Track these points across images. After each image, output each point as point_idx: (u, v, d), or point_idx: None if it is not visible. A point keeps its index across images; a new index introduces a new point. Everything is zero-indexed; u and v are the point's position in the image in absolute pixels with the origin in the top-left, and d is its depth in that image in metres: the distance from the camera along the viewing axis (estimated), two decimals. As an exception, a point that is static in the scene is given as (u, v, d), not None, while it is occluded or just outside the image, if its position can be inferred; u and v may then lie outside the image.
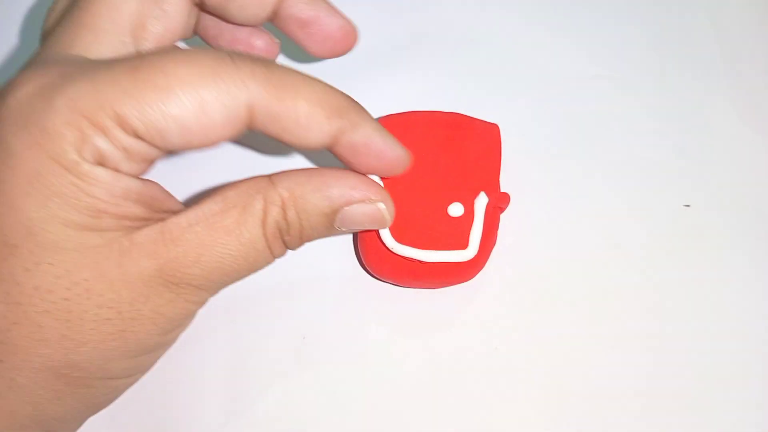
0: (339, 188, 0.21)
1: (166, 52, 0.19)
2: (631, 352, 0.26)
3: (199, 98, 0.18)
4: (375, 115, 0.29)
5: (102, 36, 0.20)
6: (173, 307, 0.20)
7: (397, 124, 0.26)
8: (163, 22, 0.22)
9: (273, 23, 0.25)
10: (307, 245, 0.27)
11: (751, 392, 0.25)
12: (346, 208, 0.21)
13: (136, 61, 0.19)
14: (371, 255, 0.25)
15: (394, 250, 0.24)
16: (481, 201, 0.25)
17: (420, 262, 0.25)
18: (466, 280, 0.26)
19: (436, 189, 0.25)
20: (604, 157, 0.29)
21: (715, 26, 0.31)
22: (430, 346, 0.26)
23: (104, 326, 0.19)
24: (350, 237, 0.28)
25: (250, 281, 0.26)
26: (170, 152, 0.20)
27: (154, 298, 0.20)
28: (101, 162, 0.19)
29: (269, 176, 0.21)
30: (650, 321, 0.26)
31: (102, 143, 0.18)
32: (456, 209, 0.25)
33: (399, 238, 0.24)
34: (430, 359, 0.26)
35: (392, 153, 0.22)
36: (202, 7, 0.24)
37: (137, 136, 0.19)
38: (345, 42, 0.25)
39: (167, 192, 0.22)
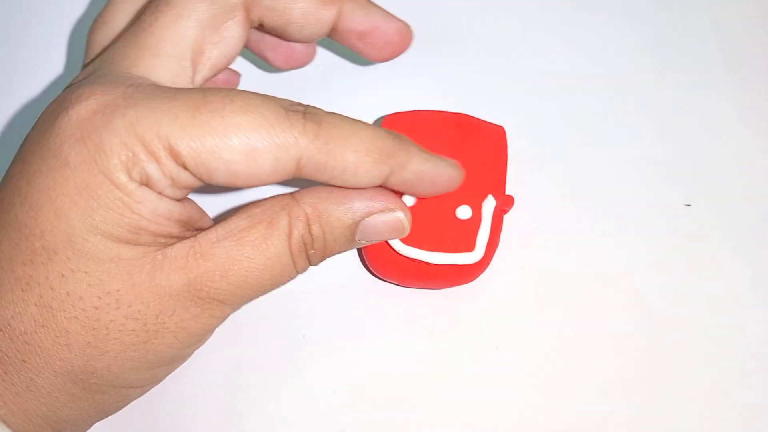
0: (360, 201, 0.22)
1: (227, 95, 0.20)
2: (633, 352, 0.26)
3: (251, 147, 0.19)
4: (380, 115, 0.29)
5: (165, 60, 0.21)
6: (197, 322, 0.21)
7: (403, 122, 0.26)
8: (221, 48, 0.23)
9: (330, 37, 0.25)
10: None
11: (751, 391, 0.25)
12: (367, 219, 0.22)
13: (199, 99, 0.19)
14: (375, 256, 0.25)
15: (400, 252, 0.24)
16: (489, 204, 0.25)
17: (426, 263, 0.25)
18: (469, 281, 0.26)
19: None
20: (604, 157, 0.29)
21: (715, 25, 0.31)
22: (430, 345, 0.26)
23: (128, 337, 0.20)
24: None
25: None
26: (217, 183, 0.21)
27: (180, 312, 0.20)
28: (148, 184, 0.19)
29: (292, 194, 0.22)
30: (652, 321, 0.26)
31: (152, 168, 0.19)
32: (464, 212, 0.25)
33: (405, 239, 0.24)
34: (431, 359, 0.26)
35: (445, 175, 0.22)
36: (259, 28, 0.24)
37: (186, 168, 0.19)
38: (403, 44, 0.26)
39: (202, 210, 0.22)
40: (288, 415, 0.25)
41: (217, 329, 0.26)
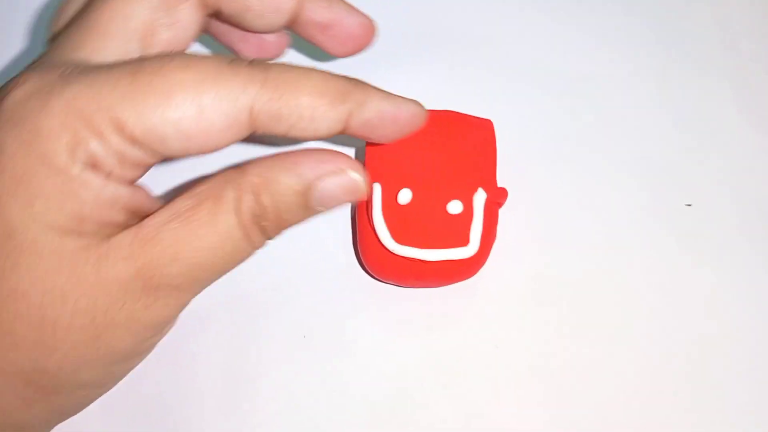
0: (308, 164, 0.20)
1: (166, 56, 0.19)
2: (632, 350, 0.26)
3: (198, 102, 0.18)
4: None
5: (109, 41, 0.20)
6: (150, 312, 0.20)
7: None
8: (173, 30, 0.22)
9: (290, 28, 0.25)
10: (307, 244, 0.27)
11: (752, 391, 0.25)
12: (319, 183, 0.20)
13: (136, 65, 0.19)
14: (372, 257, 0.25)
15: (394, 252, 0.24)
16: (480, 197, 0.25)
17: (421, 261, 0.24)
18: (468, 277, 0.26)
19: (434, 187, 0.25)
20: (605, 155, 0.29)
21: (718, 24, 0.31)
22: (429, 345, 0.26)
23: (77, 334, 0.19)
24: (350, 237, 0.28)
25: (250, 279, 0.27)
26: (167, 158, 0.20)
27: (131, 304, 0.19)
28: (93, 166, 0.18)
29: (239, 165, 0.20)
30: (651, 319, 0.26)
31: (96, 147, 0.18)
32: (455, 207, 0.25)
33: (398, 239, 0.24)
34: (430, 358, 0.26)
35: (407, 112, 0.22)
36: (216, 17, 0.23)
37: (134, 141, 0.18)
38: (365, 38, 0.25)
39: (154, 198, 0.21)
40: (288, 415, 0.25)
41: (216, 328, 0.26)
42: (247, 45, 0.26)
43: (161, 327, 0.21)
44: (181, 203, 0.20)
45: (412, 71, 0.31)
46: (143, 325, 0.20)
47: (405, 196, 0.25)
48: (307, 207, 0.21)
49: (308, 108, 0.19)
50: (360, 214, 0.26)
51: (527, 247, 0.27)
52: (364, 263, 0.26)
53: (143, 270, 0.19)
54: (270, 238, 0.21)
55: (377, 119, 0.21)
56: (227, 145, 0.19)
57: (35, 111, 0.18)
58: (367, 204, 0.25)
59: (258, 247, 0.21)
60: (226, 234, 0.20)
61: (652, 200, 0.28)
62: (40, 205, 0.18)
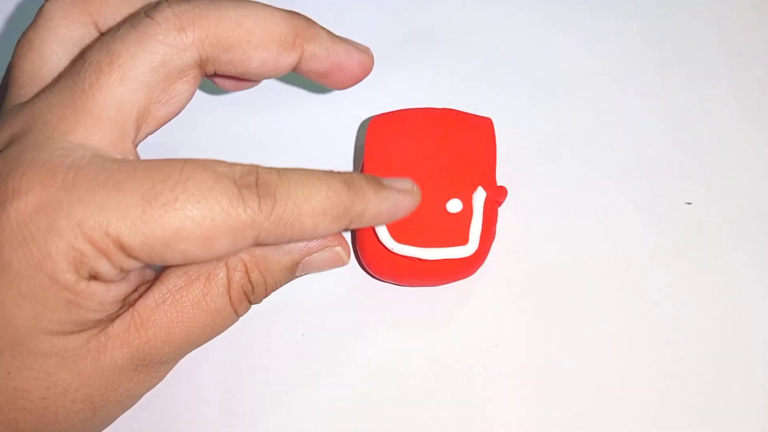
0: (303, 251, 0.22)
1: (177, 181, 0.19)
2: (633, 349, 0.26)
3: (207, 236, 0.19)
4: (372, 113, 0.29)
5: (106, 125, 0.20)
6: (141, 386, 0.21)
7: (390, 123, 0.26)
8: (169, 107, 0.22)
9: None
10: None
11: (751, 390, 0.25)
12: (307, 258, 0.22)
13: (147, 189, 0.18)
14: (371, 256, 0.25)
15: (393, 251, 0.24)
16: (479, 195, 0.25)
17: (420, 260, 0.24)
18: (468, 276, 0.26)
19: (433, 186, 0.25)
20: (605, 153, 0.29)
21: (717, 23, 0.31)
22: (429, 343, 0.26)
23: (76, 416, 0.20)
24: (349, 237, 0.28)
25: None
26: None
27: (125, 383, 0.21)
28: (96, 278, 0.19)
29: None
30: (652, 319, 0.26)
31: (101, 264, 0.19)
32: (454, 205, 0.24)
33: (398, 237, 0.24)
34: (430, 357, 0.26)
35: (404, 206, 0.23)
36: (212, 76, 0.24)
37: (139, 260, 0.19)
38: (364, 73, 0.25)
39: (148, 270, 0.22)
40: (287, 414, 0.25)
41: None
42: (226, 81, 0.26)
43: (147, 392, 0.22)
44: (173, 282, 0.21)
45: (412, 70, 0.31)
46: (134, 398, 0.22)
47: None
48: (292, 276, 0.23)
49: (311, 228, 0.20)
50: (359, 213, 0.26)
51: (527, 245, 0.27)
52: (364, 262, 0.26)
53: (137, 353, 0.20)
54: (255, 304, 0.23)
55: (375, 220, 0.22)
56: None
57: (43, 231, 0.18)
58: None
59: (243, 315, 0.22)
60: (216, 312, 0.21)
61: (652, 199, 0.28)
62: (46, 317, 0.19)
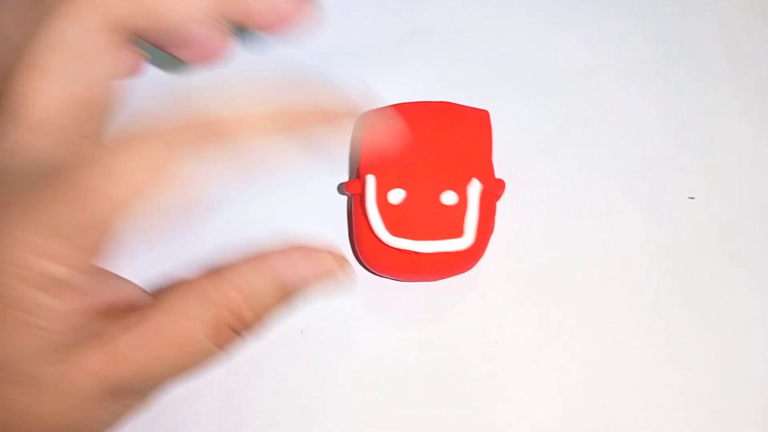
0: (289, 269, 0.20)
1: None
2: (632, 343, 0.26)
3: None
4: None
5: (37, 127, 0.19)
6: (116, 415, 0.20)
7: (385, 117, 0.26)
8: (103, 82, 0.21)
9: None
10: (304, 240, 0.27)
11: (753, 386, 0.25)
12: (301, 288, 0.21)
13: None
14: (367, 251, 0.25)
15: (389, 244, 0.24)
16: (475, 188, 0.24)
17: (417, 253, 0.24)
18: (466, 270, 0.26)
19: (428, 179, 0.25)
20: (607, 148, 0.29)
21: (718, 19, 0.31)
22: (428, 339, 0.26)
23: None
24: (346, 232, 0.28)
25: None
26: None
27: (100, 412, 0.20)
28: (47, 291, 0.18)
29: (211, 276, 0.20)
30: (653, 312, 0.26)
31: (48, 270, 0.18)
32: (449, 197, 0.24)
33: (393, 231, 0.24)
34: (429, 352, 0.26)
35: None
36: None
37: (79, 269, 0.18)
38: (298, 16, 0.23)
39: (123, 283, 0.22)
40: (286, 410, 0.25)
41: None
42: (187, 51, 0.24)
43: (126, 419, 0.21)
44: (154, 318, 0.19)
45: (412, 67, 0.31)
46: (109, 425, 0.21)
47: (397, 195, 0.24)
48: (284, 302, 0.21)
49: None
50: (356, 208, 0.25)
51: (527, 240, 0.27)
52: (361, 257, 0.26)
53: (113, 385, 0.19)
54: (234, 343, 0.21)
55: None
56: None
57: None
58: (362, 197, 0.25)
59: (219, 353, 0.21)
60: (201, 353, 0.20)
61: (652, 193, 0.28)
62: (9, 344, 0.18)
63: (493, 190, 0.25)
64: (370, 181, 0.25)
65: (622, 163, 0.28)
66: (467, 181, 0.25)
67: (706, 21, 0.31)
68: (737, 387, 0.25)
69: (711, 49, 0.31)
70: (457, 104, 0.26)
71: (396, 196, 0.24)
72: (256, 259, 0.20)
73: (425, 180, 0.24)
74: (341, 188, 0.28)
